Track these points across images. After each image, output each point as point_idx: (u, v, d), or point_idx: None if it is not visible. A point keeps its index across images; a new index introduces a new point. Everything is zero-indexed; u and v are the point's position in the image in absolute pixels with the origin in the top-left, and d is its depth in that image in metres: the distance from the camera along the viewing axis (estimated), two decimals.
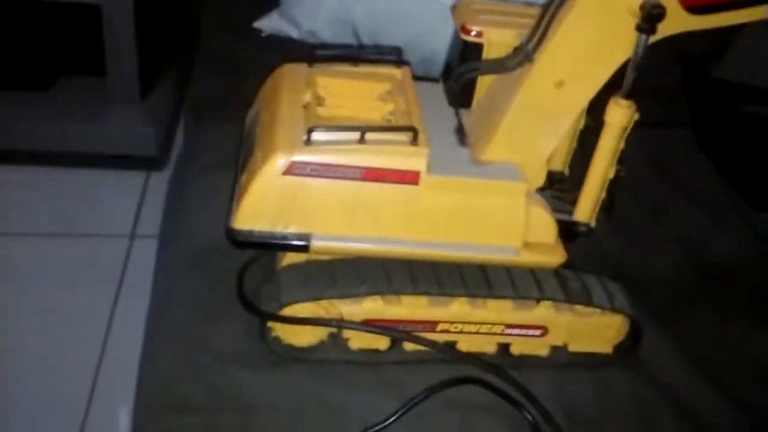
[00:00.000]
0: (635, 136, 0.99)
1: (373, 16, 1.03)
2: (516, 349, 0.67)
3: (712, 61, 1.00)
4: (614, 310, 0.65)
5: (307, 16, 1.06)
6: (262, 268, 0.67)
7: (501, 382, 0.64)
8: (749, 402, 0.68)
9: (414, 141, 0.58)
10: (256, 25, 1.09)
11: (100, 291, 1.23)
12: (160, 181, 1.44)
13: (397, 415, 0.60)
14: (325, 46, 1.04)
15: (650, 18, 0.55)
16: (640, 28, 0.56)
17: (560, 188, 0.69)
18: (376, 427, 0.59)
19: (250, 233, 0.58)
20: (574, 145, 0.69)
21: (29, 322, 1.15)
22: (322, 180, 0.57)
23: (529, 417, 0.61)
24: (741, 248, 0.86)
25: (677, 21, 0.56)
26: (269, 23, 1.09)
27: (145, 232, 1.35)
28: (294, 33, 1.07)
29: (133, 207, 1.43)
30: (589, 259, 0.78)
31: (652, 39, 0.57)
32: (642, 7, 0.55)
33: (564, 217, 0.65)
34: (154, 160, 1.45)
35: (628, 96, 0.59)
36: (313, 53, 0.67)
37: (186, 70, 1.41)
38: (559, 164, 0.70)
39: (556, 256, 0.63)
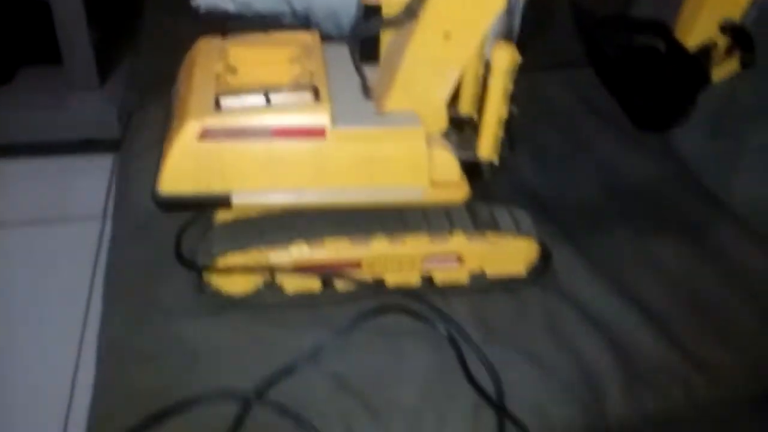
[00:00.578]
0: (560, 75, 1.06)
1: None
2: (439, 279, 0.74)
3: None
4: (520, 234, 0.72)
5: None
6: (200, 231, 0.73)
7: (421, 308, 0.71)
8: (659, 313, 0.74)
9: (316, 98, 0.64)
10: (194, 2, 1.13)
11: (78, 272, 1.29)
12: None
13: (326, 344, 0.67)
14: (260, 17, 1.09)
15: None
16: None
17: (469, 131, 0.75)
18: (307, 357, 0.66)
19: (174, 196, 0.64)
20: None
21: (9, 309, 1.20)
22: (234, 142, 0.63)
23: (443, 330, 0.68)
24: (657, 171, 0.92)
25: None
26: None
27: None
28: (230, 6, 1.11)
29: (102, 188, 1.48)
30: (511, 189, 0.85)
31: None
32: None
33: (469, 156, 0.71)
34: (118, 142, 1.51)
35: (506, 39, 0.64)
36: (225, 24, 0.72)
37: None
38: (467, 109, 0.76)
39: (460, 193, 0.69)
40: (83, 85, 1.47)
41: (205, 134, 0.62)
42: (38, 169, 1.49)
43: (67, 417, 1.07)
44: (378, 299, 0.72)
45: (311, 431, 0.60)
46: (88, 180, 1.49)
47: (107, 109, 1.46)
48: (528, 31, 1.03)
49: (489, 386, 0.67)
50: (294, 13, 1.02)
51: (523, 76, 0.68)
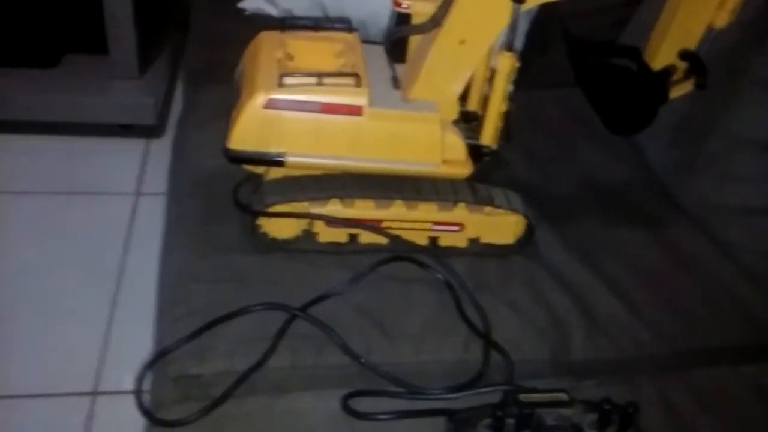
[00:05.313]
0: (554, 93, 1.23)
1: None
2: (442, 242, 0.90)
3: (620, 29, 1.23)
4: (511, 209, 0.88)
5: None
6: (251, 187, 0.89)
7: (427, 260, 0.87)
8: (618, 282, 0.91)
9: (357, 84, 0.81)
10: (240, 5, 1.31)
11: (109, 239, 1.44)
12: (159, 146, 1.65)
13: (349, 283, 0.83)
14: (297, 18, 1.26)
15: None
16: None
17: (475, 123, 0.92)
18: (336, 291, 0.82)
19: (240, 151, 0.81)
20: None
21: (45, 273, 1.31)
22: (291, 112, 0.80)
23: (442, 276, 0.84)
24: (627, 174, 1.09)
25: None
26: (251, 3, 1.30)
27: (148, 190, 1.56)
28: (273, 11, 1.28)
29: (136, 169, 1.63)
30: (506, 181, 1.00)
31: (525, 8, 0.79)
32: None
33: (474, 142, 0.88)
34: (153, 128, 1.66)
35: (509, 49, 0.82)
36: (284, 23, 0.90)
37: (178, 48, 1.63)
38: (474, 105, 0.93)
39: (466, 169, 0.86)
40: (125, 75, 1.62)
41: (270, 104, 0.79)
42: (77, 147, 1.63)
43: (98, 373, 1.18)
44: (392, 252, 0.88)
45: (338, 340, 0.76)
46: (124, 160, 1.64)
47: (145, 98, 1.63)
48: (530, 53, 1.21)
49: (478, 325, 0.83)
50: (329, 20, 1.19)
51: (522, 93, 0.85)
